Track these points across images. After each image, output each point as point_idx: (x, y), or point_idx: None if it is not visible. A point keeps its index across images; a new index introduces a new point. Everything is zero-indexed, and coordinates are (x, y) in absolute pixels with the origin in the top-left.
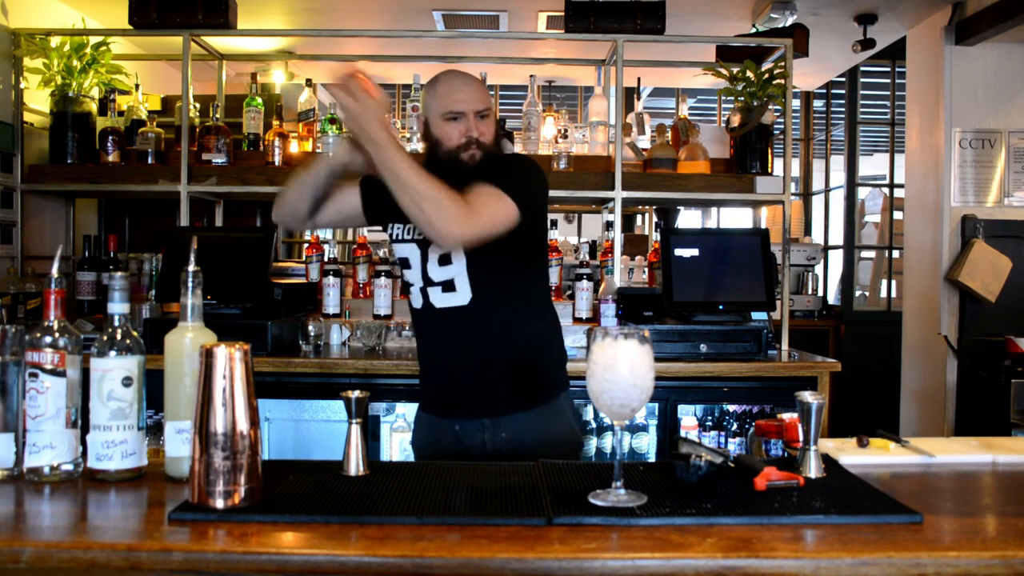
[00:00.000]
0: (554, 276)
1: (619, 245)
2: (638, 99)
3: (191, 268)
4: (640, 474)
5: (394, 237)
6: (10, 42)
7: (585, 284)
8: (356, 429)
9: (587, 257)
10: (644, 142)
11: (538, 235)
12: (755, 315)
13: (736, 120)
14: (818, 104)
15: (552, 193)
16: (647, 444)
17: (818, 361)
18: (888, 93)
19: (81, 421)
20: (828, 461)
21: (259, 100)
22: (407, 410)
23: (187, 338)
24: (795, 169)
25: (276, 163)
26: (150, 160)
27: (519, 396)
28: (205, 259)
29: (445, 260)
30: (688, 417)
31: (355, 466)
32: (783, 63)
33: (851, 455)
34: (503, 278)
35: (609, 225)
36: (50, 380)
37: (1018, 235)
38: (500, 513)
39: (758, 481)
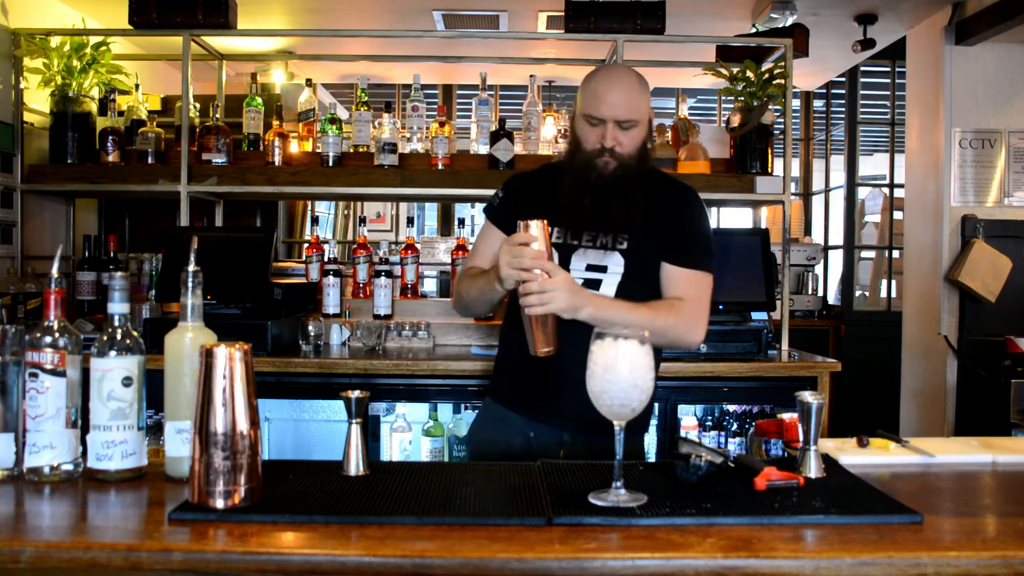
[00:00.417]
0: None
1: None
2: None
3: (191, 268)
4: (640, 474)
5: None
6: (10, 42)
7: None
8: (356, 429)
9: None
10: None
11: None
12: (755, 315)
13: (736, 120)
14: (818, 104)
15: None
16: (647, 444)
17: (818, 361)
18: (888, 93)
19: (81, 421)
20: (828, 461)
21: (259, 100)
22: (407, 410)
23: (187, 338)
24: (795, 169)
25: (276, 163)
26: (150, 160)
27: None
28: (205, 259)
29: (594, 267)
30: (688, 417)
31: (355, 466)
32: (783, 63)
33: (851, 455)
34: (653, 300)
35: None
36: (50, 380)
37: (1018, 235)
38: (500, 513)
39: (758, 481)
